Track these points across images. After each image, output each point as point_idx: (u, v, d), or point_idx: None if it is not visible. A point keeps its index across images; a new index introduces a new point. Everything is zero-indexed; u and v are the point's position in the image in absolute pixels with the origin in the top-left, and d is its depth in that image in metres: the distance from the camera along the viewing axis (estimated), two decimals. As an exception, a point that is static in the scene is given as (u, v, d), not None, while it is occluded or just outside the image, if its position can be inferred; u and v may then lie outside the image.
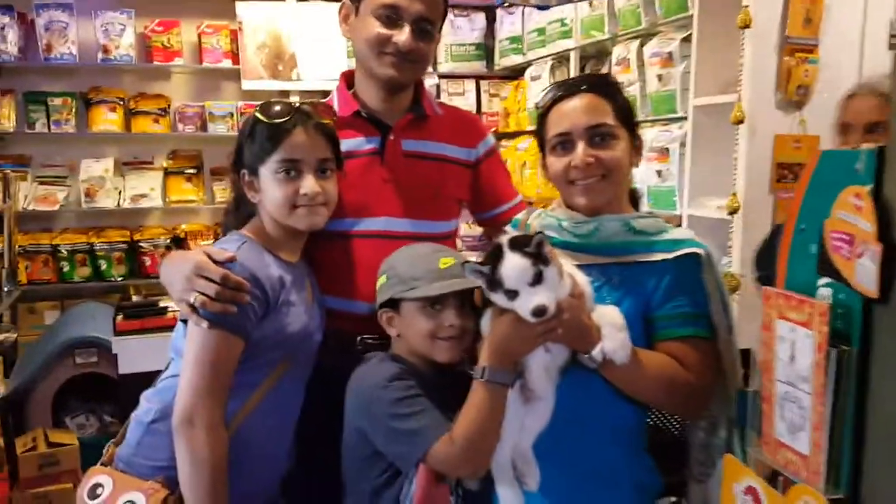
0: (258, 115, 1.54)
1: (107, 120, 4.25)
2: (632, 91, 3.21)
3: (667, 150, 3.05)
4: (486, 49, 4.68)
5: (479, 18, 4.70)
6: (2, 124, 3.95)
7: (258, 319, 1.48)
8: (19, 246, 4.03)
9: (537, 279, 1.25)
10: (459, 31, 4.66)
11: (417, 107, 1.78)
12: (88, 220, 4.39)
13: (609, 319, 1.32)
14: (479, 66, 4.64)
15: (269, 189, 1.54)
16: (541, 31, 4.09)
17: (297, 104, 1.58)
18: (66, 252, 4.16)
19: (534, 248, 1.27)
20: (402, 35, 1.64)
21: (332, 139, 1.59)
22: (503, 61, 4.57)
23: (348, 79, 1.81)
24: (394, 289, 1.49)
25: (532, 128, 4.04)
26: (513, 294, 1.27)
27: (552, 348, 1.34)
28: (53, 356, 3.41)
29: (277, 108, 1.54)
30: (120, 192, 4.31)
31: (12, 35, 3.93)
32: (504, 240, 1.30)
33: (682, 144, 2.96)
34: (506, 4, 4.25)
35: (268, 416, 1.53)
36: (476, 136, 1.85)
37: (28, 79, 4.18)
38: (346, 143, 1.70)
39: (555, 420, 1.37)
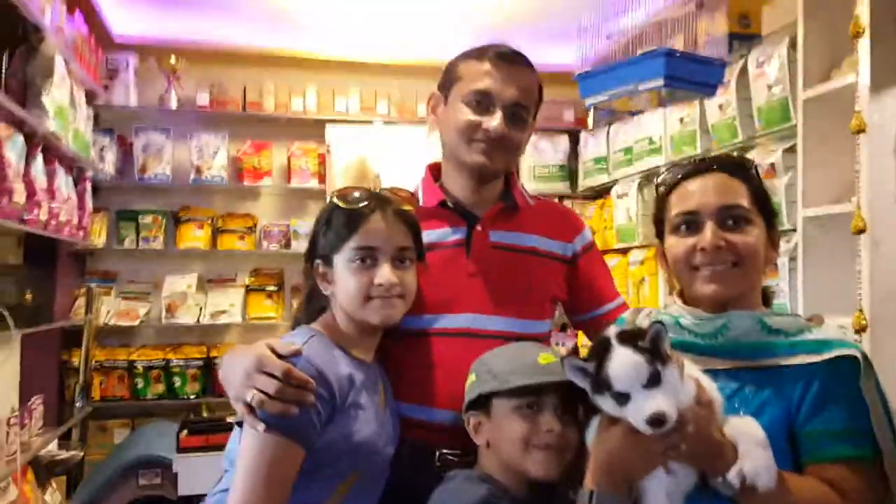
0: (335, 199, 1.43)
1: (194, 237, 4.33)
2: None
3: (775, 265, 2.81)
4: (569, 170, 4.67)
5: (563, 141, 4.72)
6: (93, 240, 3.98)
7: (323, 425, 1.30)
8: (96, 361, 4.02)
9: (654, 380, 1.08)
10: (543, 153, 4.67)
11: (508, 196, 1.64)
12: (167, 337, 4.37)
13: (747, 434, 1.11)
14: (562, 187, 4.63)
15: (343, 279, 1.41)
16: (627, 150, 4.02)
17: (377, 190, 1.46)
18: (141, 368, 4.12)
19: (649, 343, 1.10)
20: (494, 120, 1.53)
21: (413, 227, 1.46)
22: (587, 181, 4.51)
23: (434, 171, 1.70)
24: (485, 385, 1.32)
25: (623, 245, 3.91)
26: (624, 398, 1.09)
27: (676, 470, 1.13)
28: (116, 476, 3.28)
29: (356, 193, 1.44)
30: (201, 309, 4.32)
31: (111, 156, 4.09)
32: (612, 331, 1.14)
33: (793, 258, 2.74)
34: (594, 107, 4.19)
35: None
36: (572, 229, 1.69)
37: (122, 197, 4.32)
38: (430, 235, 1.57)
39: None
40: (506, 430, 1.28)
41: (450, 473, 1.33)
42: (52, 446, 3.66)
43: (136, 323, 4.22)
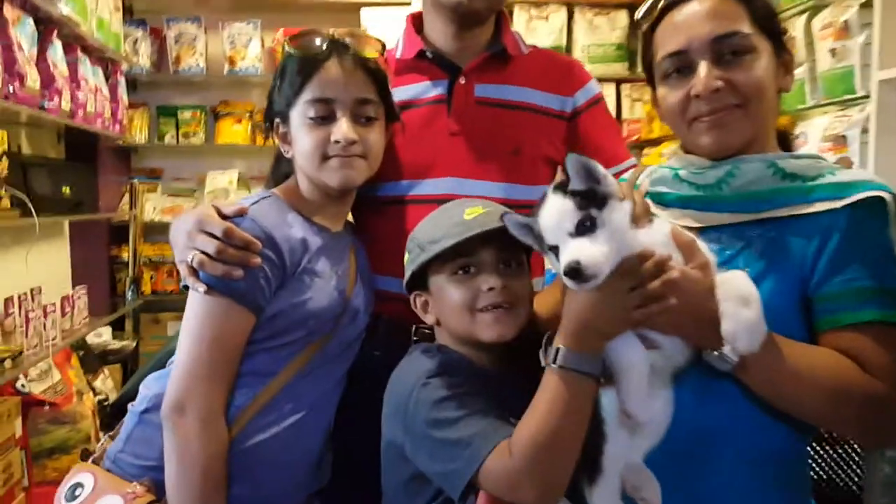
0: (287, 45, 1.28)
1: (233, 132, 4.23)
2: (799, 74, 2.67)
3: (843, 137, 2.54)
4: (628, 50, 4.25)
5: (621, 17, 4.29)
6: (134, 137, 3.96)
7: (273, 289, 1.20)
8: (145, 256, 4.07)
9: (584, 226, 0.94)
10: (598, 30, 4.27)
11: (496, 44, 1.44)
12: (211, 232, 4.35)
13: (731, 289, 0.96)
14: (619, 69, 4.22)
15: (299, 137, 1.28)
16: (688, 22, 3.60)
17: (334, 33, 1.30)
18: (189, 263, 4.12)
19: (582, 184, 0.96)
20: None
21: (378, 77, 1.30)
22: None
23: (416, 21, 1.50)
24: (415, 260, 1.18)
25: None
26: (556, 251, 0.97)
27: (663, 342, 1.00)
28: (161, 364, 3.32)
29: (309, 37, 1.28)
30: (244, 205, 4.24)
31: (145, 48, 4.01)
32: (551, 186, 1.01)
33: (864, 130, 2.43)
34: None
35: (286, 415, 1.24)
36: (574, 81, 1.48)
37: (160, 93, 4.22)
38: (407, 91, 1.42)
39: (673, 436, 1.03)
40: (447, 302, 1.15)
41: (411, 348, 1.21)
42: (107, 337, 3.80)
43: (183, 219, 4.20)
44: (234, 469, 1.18)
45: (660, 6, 1.12)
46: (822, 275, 1.00)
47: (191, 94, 4.29)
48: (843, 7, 2.60)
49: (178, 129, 4.21)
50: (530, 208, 1.39)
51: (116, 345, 3.76)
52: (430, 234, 1.16)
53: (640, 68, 3.72)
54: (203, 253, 1.15)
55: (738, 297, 0.94)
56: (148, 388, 1.28)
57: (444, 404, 1.06)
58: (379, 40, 1.34)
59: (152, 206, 4.14)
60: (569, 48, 4.13)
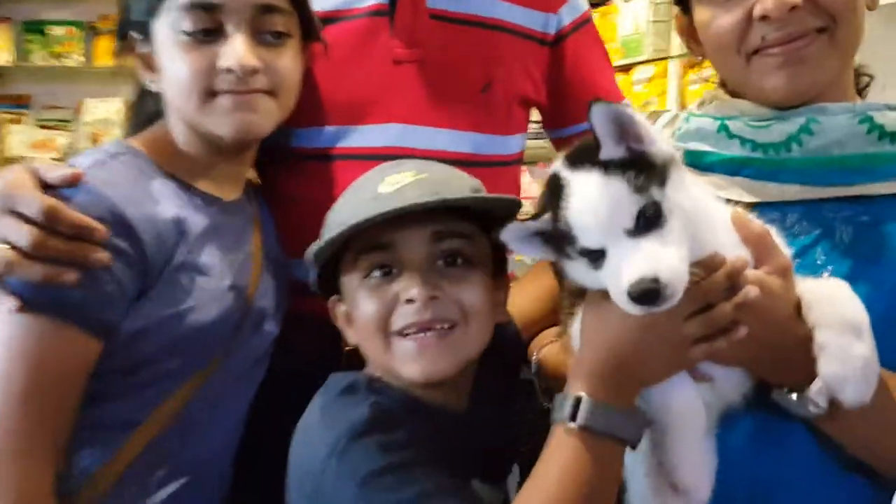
0: None
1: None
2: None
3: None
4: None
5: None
6: (-7, 56, 3.49)
7: (129, 298, 0.83)
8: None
9: (647, 219, 0.66)
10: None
11: (455, -66, 1.08)
12: (94, 171, 3.84)
13: (833, 312, 0.71)
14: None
15: (170, 62, 0.91)
16: (634, -61, 3.30)
17: None
18: (65, 208, 3.61)
19: (620, 149, 0.68)
20: None
21: None
22: (585, -17, 3.79)
23: None
24: (314, 250, 0.85)
25: (627, 61, 3.31)
26: (597, 257, 0.69)
27: (719, 375, 0.75)
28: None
29: None
30: (132, 138, 3.76)
31: (3, -50, 3.39)
32: (561, 161, 0.72)
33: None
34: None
35: (160, 483, 0.88)
36: None
37: (26, 5, 3.70)
38: None
39: (718, 494, 0.76)
40: (357, 318, 0.84)
41: (330, 378, 0.85)
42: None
43: (57, 155, 3.66)
44: None
45: None
46: None
47: (64, 6, 3.77)
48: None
49: (49, 48, 3.70)
50: (502, 166, 1.07)
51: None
52: (335, 215, 0.85)
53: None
54: (13, 247, 0.75)
55: (843, 323, 0.69)
56: None
57: (378, 482, 0.72)
58: None
59: (19, 139, 3.66)
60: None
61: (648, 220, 0.66)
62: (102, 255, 0.78)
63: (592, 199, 0.67)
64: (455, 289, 0.80)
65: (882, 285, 0.77)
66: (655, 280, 0.64)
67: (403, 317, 0.79)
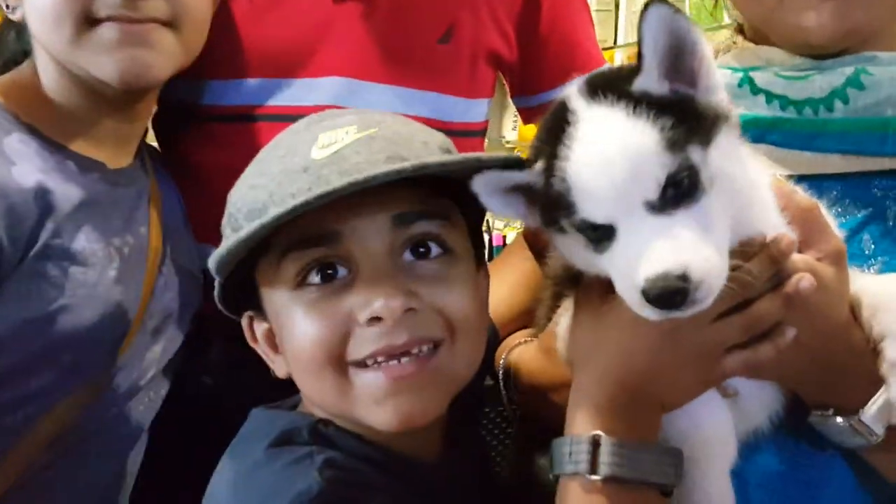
0: None
1: None
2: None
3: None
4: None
5: None
6: None
7: None
8: None
9: (679, 191, 0.50)
10: None
11: None
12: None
13: None
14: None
15: None
16: None
17: None
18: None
19: (664, 84, 0.51)
20: None
21: None
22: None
23: None
24: (225, 255, 0.57)
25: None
26: (606, 235, 0.52)
27: (744, 390, 0.60)
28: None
29: None
30: None
31: None
32: (580, 84, 0.54)
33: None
34: None
35: None
36: None
37: None
38: None
39: None
40: (289, 345, 0.59)
41: (252, 423, 0.62)
42: None
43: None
44: None
45: None
46: None
47: None
48: None
49: None
50: (464, 136, 0.93)
51: None
52: (249, 195, 0.58)
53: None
54: None
55: None
56: None
57: None
58: None
59: None
60: None
61: (681, 192, 0.50)
62: None
63: (606, 151, 0.50)
64: (434, 292, 0.57)
65: None
66: (684, 277, 0.48)
67: (365, 342, 0.55)
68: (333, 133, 0.57)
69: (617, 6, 2.66)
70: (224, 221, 0.61)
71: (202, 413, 0.85)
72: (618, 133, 0.49)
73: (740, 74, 0.72)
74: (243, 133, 0.86)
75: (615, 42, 2.65)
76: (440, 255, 0.59)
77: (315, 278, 0.56)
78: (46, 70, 0.75)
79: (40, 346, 0.69)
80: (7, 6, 0.74)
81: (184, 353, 0.85)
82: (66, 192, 0.71)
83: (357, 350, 0.55)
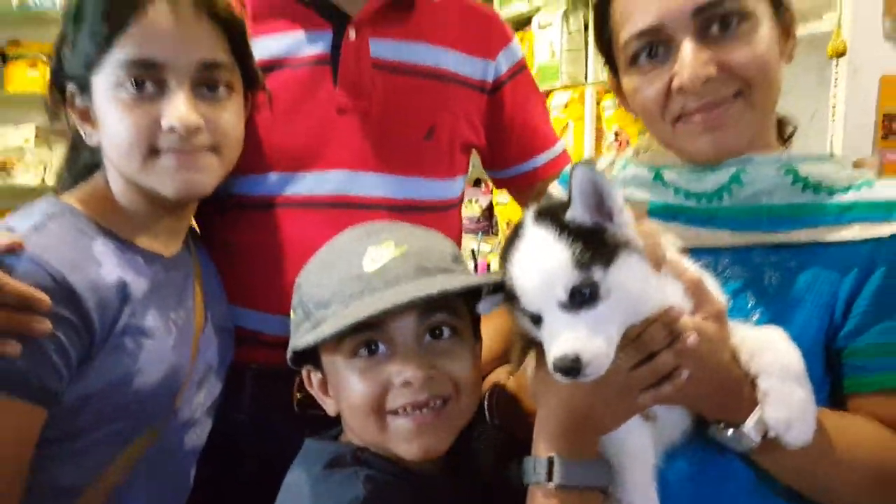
0: None
1: (28, 79, 3.57)
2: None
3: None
4: (483, -2, 4.00)
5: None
6: None
7: (74, 365, 0.79)
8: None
9: (582, 296, 0.68)
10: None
11: (396, -15, 1.08)
12: (4, 201, 3.64)
13: (775, 360, 0.75)
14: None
15: (109, 118, 0.86)
16: (552, -32, 3.39)
17: None
18: (-23, 241, 3.42)
19: (588, 217, 0.70)
20: None
21: (231, 29, 0.90)
22: (504, 10, 3.87)
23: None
24: (299, 332, 0.82)
25: (545, 87, 3.39)
26: (535, 320, 0.72)
27: (661, 414, 0.78)
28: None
29: None
30: (45, 167, 3.64)
31: None
32: (532, 208, 0.74)
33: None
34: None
35: None
36: (497, 39, 1.15)
37: None
38: (274, 44, 1.04)
39: None
40: (345, 396, 0.80)
41: (309, 449, 0.83)
42: None
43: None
44: None
45: None
46: (860, 322, 0.80)
47: None
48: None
49: None
50: (444, 210, 1.09)
51: None
52: (317, 290, 0.80)
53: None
54: None
55: (784, 371, 0.73)
56: None
57: None
58: None
59: (-77, 168, 3.47)
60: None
61: (584, 298, 0.67)
62: (46, 325, 0.75)
63: (534, 263, 0.69)
64: (446, 363, 0.79)
65: (806, 327, 0.80)
66: (576, 359, 0.66)
67: (398, 398, 0.77)
68: (377, 249, 0.79)
69: (586, 45, 2.81)
70: (294, 303, 0.82)
71: (238, 443, 1.02)
72: (543, 251, 0.68)
73: (654, 172, 0.88)
74: (268, 217, 1.02)
75: (585, 79, 2.81)
76: (450, 335, 0.80)
77: (364, 352, 0.78)
78: (116, 183, 0.90)
79: (118, 401, 0.84)
80: (85, 133, 0.89)
81: (221, 395, 1.01)
82: (137, 283, 0.86)
83: (392, 403, 0.77)
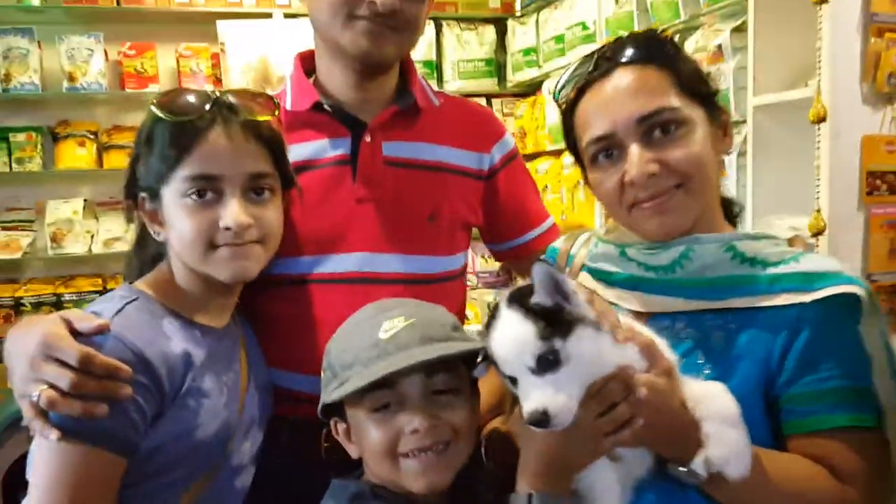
0: (155, 108, 1.05)
1: (76, 156, 3.77)
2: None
3: (722, 161, 2.52)
4: (497, 64, 4.22)
5: (489, 32, 4.23)
6: (-44, 165, 3.47)
7: (148, 422, 0.97)
8: (-23, 300, 3.56)
9: (546, 362, 0.83)
10: (468, 45, 4.21)
11: (405, 96, 1.28)
12: (56, 269, 3.88)
13: (715, 408, 0.88)
14: (490, 84, 4.16)
15: (176, 221, 1.05)
16: (559, 38, 3.63)
17: (216, 92, 1.08)
18: (30, 305, 3.64)
19: (547, 299, 0.85)
20: None
21: (273, 144, 1.10)
22: (517, 76, 4.12)
23: (306, 62, 1.30)
24: (329, 389, 0.99)
25: (557, 147, 3.59)
26: (513, 381, 0.88)
27: (625, 455, 0.91)
28: (6, 425, 2.88)
29: (185, 97, 1.06)
30: (92, 236, 3.81)
31: (-36, 64, 3.50)
32: (506, 293, 0.90)
33: (742, 154, 2.45)
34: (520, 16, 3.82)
35: None
36: (490, 134, 1.35)
37: None
38: (303, 150, 1.22)
39: None
40: (365, 443, 0.97)
41: (335, 487, 1.00)
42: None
43: (20, 255, 3.70)
44: None
45: (575, 86, 1.02)
46: (791, 374, 0.93)
47: (24, 113, 3.81)
48: (714, 31, 2.63)
49: (10, 154, 3.70)
50: (449, 281, 1.26)
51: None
52: (342, 355, 0.98)
53: (510, 82, 3.70)
54: (53, 387, 0.90)
55: (721, 416, 0.86)
56: None
57: None
58: (270, 98, 1.13)
59: (-19, 241, 3.64)
60: (439, 64, 4.04)
61: (548, 364, 0.82)
62: (127, 391, 0.93)
63: (506, 337, 0.85)
64: (447, 414, 0.95)
65: (748, 379, 0.93)
66: (545, 413, 0.82)
67: (408, 443, 0.93)
68: (391, 322, 0.96)
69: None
70: (324, 365, 1.01)
71: (276, 484, 1.17)
72: (514, 327, 0.85)
73: (619, 249, 1.04)
74: (301, 292, 1.20)
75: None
76: (450, 391, 0.96)
77: (381, 410, 0.94)
78: (179, 271, 1.08)
79: (181, 450, 1.00)
80: (154, 231, 1.09)
81: (262, 444, 1.17)
82: (197, 353, 1.03)
83: (403, 447, 0.93)
